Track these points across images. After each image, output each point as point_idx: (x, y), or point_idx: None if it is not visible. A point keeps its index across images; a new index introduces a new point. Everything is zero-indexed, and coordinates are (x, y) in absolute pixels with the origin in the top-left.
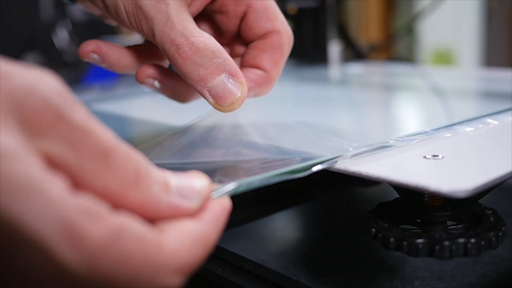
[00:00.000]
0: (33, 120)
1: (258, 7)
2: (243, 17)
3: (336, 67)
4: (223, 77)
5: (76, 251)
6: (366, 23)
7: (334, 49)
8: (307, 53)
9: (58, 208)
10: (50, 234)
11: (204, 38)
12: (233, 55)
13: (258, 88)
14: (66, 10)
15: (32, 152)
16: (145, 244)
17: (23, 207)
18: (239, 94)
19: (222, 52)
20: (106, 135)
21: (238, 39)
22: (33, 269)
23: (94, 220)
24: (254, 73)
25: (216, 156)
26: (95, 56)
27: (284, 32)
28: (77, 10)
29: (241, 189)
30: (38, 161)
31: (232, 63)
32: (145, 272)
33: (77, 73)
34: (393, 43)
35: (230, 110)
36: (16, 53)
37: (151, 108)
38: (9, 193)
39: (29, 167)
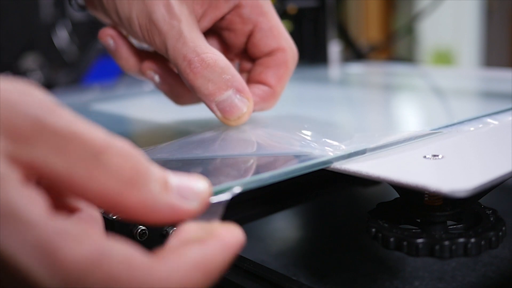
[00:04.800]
0: (15, 134)
1: (264, 26)
2: (250, 35)
3: (336, 67)
4: (230, 93)
5: (56, 275)
6: (366, 23)
7: (334, 49)
8: (307, 53)
9: (36, 231)
10: (28, 258)
11: (214, 55)
12: (240, 70)
13: (263, 102)
14: (66, 10)
15: (14, 170)
16: (133, 267)
17: (0, 231)
18: (245, 109)
19: (230, 68)
20: (96, 135)
21: (244, 54)
22: None
23: (75, 242)
24: (259, 88)
25: (214, 152)
26: (111, 41)
27: (289, 49)
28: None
29: (239, 190)
30: (19, 180)
31: (240, 80)
32: None
33: (77, 73)
34: (393, 43)
35: (237, 124)
36: (16, 53)
37: (151, 108)
38: None
39: (8, 190)
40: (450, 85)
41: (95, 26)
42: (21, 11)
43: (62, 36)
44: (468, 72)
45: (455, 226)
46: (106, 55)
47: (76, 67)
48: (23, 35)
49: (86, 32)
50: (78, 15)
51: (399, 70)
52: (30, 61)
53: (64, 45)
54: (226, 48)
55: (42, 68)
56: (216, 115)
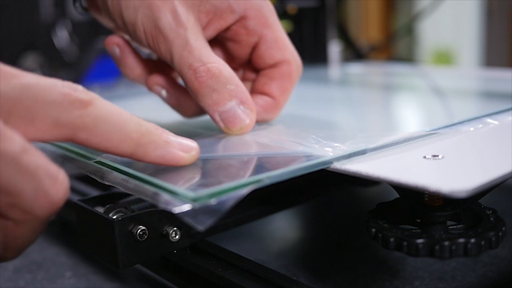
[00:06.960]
0: None
1: (270, 38)
2: (255, 47)
3: (336, 67)
4: (234, 103)
5: None
6: (366, 23)
7: (334, 49)
8: (307, 53)
9: None
10: None
11: (219, 65)
12: (243, 79)
13: (265, 113)
14: (66, 10)
15: None
16: None
17: None
18: (248, 121)
19: (234, 79)
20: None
21: (248, 64)
22: None
23: None
24: (263, 99)
25: (215, 152)
26: (117, 50)
27: (293, 62)
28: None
29: (245, 191)
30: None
31: (244, 91)
32: None
33: (77, 73)
34: (393, 43)
35: (239, 134)
36: (16, 53)
37: (151, 108)
38: None
39: None
40: (450, 85)
41: (95, 26)
42: (21, 11)
43: (62, 36)
44: (468, 72)
45: (455, 226)
46: (106, 55)
47: (76, 67)
48: (23, 35)
49: (86, 32)
50: (78, 15)
51: (399, 70)
52: (30, 61)
53: (64, 45)
54: (230, 58)
55: (42, 68)
56: (218, 125)
